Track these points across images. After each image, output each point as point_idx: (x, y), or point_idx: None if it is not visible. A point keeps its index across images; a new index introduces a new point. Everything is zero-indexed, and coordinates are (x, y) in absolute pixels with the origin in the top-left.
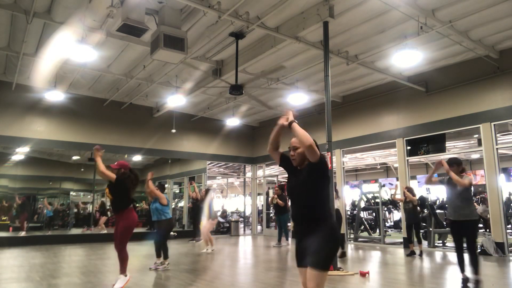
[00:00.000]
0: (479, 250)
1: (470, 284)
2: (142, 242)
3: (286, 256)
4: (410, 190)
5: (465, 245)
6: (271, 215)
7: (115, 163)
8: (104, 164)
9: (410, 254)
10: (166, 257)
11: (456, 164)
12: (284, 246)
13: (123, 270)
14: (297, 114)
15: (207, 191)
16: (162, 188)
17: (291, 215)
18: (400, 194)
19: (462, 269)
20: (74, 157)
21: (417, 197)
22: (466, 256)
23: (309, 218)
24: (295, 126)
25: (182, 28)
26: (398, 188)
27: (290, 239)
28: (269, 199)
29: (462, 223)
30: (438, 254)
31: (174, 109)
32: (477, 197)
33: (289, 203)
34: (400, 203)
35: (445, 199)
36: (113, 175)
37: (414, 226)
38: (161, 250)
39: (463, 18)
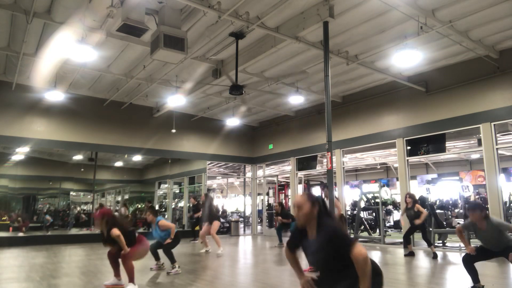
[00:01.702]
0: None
1: None
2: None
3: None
4: (411, 196)
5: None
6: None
7: (97, 213)
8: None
9: (409, 254)
10: (173, 261)
11: (479, 210)
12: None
13: (131, 278)
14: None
15: (206, 195)
16: (156, 212)
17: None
18: (398, 193)
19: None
20: (75, 157)
21: (417, 197)
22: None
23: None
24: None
25: (182, 28)
26: (396, 188)
27: None
28: (274, 218)
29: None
30: (438, 254)
31: (174, 109)
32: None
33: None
34: (403, 210)
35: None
36: (118, 233)
37: (420, 229)
38: (167, 256)
39: (463, 18)
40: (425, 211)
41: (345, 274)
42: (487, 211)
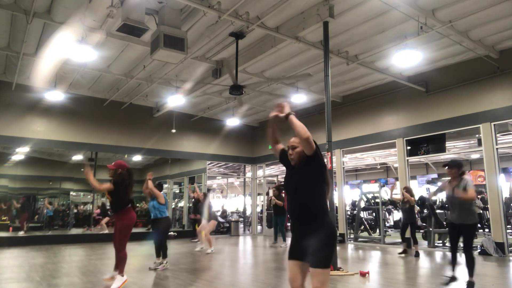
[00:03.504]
0: (479, 250)
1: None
2: (141, 242)
3: (286, 256)
4: (408, 190)
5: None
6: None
7: (113, 163)
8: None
9: (403, 252)
10: (165, 256)
11: (457, 167)
12: (281, 247)
13: (121, 270)
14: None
15: (205, 194)
16: (160, 187)
17: (288, 211)
18: (399, 194)
19: (453, 268)
20: (74, 157)
21: (417, 197)
22: (459, 257)
23: (306, 214)
24: (293, 118)
25: (182, 28)
26: (397, 188)
27: (287, 240)
28: (267, 199)
29: (460, 226)
30: (438, 254)
31: (174, 109)
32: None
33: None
34: (399, 203)
35: (445, 200)
36: (109, 186)
37: (410, 226)
38: (160, 249)
39: (463, 18)
40: (411, 198)
41: (314, 219)
42: (464, 171)
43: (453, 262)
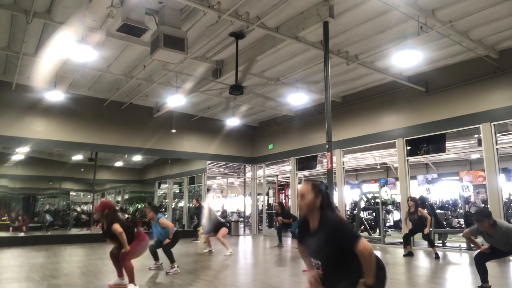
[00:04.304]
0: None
1: None
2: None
3: (286, 256)
4: (413, 199)
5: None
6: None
7: (98, 204)
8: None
9: (408, 254)
10: (173, 261)
11: (487, 218)
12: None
13: (132, 279)
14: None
15: (197, 200)
16: (156, 210)
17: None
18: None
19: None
20: (74, 157)
21: (417, 196)
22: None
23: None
24: (370, 276)
25: (182, 28)
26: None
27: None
28: (274, 218)
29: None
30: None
31: (174, 109)
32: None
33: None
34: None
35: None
36: (121, 230)
37: (422, 233)
38: (156, 254)
39: (463, 18)
40: (428, 216)
41: (347, 270)
42: (493, 218)
43: (485, 275)
